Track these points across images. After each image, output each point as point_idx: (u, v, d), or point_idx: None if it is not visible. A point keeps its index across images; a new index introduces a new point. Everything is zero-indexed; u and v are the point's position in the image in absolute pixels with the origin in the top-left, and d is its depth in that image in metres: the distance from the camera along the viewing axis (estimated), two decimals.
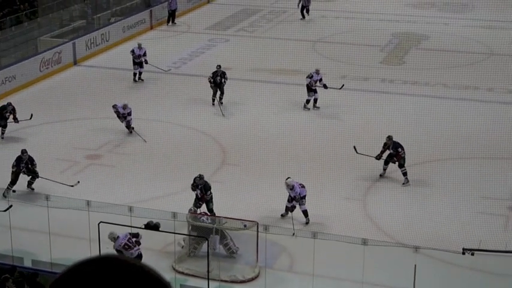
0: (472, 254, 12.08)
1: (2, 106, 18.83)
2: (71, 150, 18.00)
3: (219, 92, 20.67)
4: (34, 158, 15.55)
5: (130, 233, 12.59)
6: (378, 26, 29.12)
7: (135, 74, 23.00)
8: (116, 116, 18.73)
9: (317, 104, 20.60)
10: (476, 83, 22.60)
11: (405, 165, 16.07)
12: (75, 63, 25.01)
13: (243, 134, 18.96)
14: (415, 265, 11.24)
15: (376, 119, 19.69)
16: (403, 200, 15.31)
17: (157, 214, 14.16)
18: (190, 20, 30.71)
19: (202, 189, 14.24)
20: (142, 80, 23.06)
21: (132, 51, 22.89)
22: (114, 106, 18.71)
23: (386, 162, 16.41)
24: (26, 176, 15.53)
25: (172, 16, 30.09)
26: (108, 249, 12.22)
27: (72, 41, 25.31)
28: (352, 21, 29.82)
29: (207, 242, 12.66)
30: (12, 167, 15.36)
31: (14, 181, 15.40)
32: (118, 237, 12.45)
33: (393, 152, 16.20)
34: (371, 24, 29.27)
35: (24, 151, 15.54)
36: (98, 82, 23.17)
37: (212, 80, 20.61)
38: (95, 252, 11.63)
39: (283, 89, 21.95)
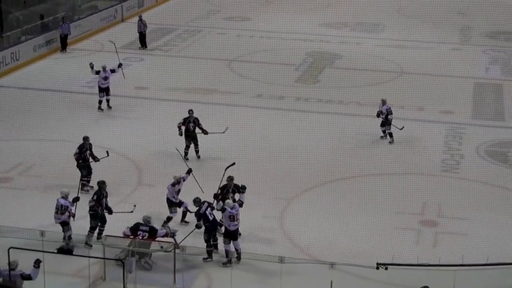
0: (386, 269, 12.34)
1: (80, 145, 16.14)
2: None
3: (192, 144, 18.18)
4: None
5: None
6: (293, 45, 29.57)
7: (100, 102, 21.65)
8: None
9: (387, 137, 19.73)
10: (388, 101, 23.18)
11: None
12: None
13: (158, 153, 18.74)
14: (332, 281, 11.35)
15: (291, 136, 19.88)
16: (318, 216, 15.46)
17: None
18: (104, 38, 30.24)
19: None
20: (110, 107, 21.82)
21: (99, 74, 21.38)
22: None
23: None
24: None
25: (63, 42, 28.19)
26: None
27: None
28: (267, 41, 30.20)
29: (122, 265, 12.39)
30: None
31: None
32: None
33: (233, 196, 14.48)
34: (286, 44, 29.69)
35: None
36: (8, 102, 22.44)
37: (184, 128, 18.05)
38: None
39: (199, 108, 21.82)
